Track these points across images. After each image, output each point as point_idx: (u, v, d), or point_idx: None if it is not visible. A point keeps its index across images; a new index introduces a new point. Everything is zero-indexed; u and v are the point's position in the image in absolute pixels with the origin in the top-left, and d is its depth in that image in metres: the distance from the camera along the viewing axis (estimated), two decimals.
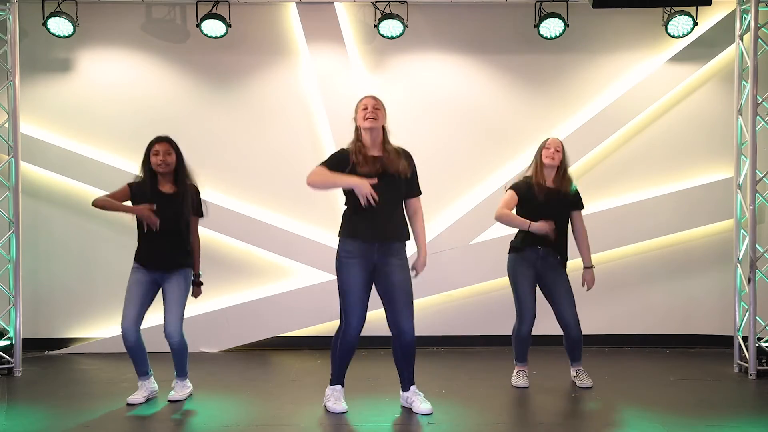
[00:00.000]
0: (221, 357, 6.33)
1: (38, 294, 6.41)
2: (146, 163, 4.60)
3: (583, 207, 5.02)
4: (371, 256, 4.27)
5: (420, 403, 4.39)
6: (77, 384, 5.34)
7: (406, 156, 4.36)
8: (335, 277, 6.25)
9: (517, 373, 5.11)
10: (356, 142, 4.30)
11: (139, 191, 4.58)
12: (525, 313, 4.91)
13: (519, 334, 4.98)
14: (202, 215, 4.77)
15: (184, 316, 4.65)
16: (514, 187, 4.92)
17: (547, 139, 4.97)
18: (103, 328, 6.43)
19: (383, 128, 4.31)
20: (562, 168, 4.93)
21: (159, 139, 4.63)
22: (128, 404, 4.59)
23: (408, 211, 4.42)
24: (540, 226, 4.72)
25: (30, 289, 6.27)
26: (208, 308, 6.50)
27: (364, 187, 4.07)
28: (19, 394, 5.03)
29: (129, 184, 4.62)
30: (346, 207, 4.37)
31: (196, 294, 4.77)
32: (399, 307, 4.26)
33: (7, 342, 5.61)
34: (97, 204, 4.53)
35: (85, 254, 6.46)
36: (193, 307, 6.47)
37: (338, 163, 4.25)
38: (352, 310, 4.28)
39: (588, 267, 5.06)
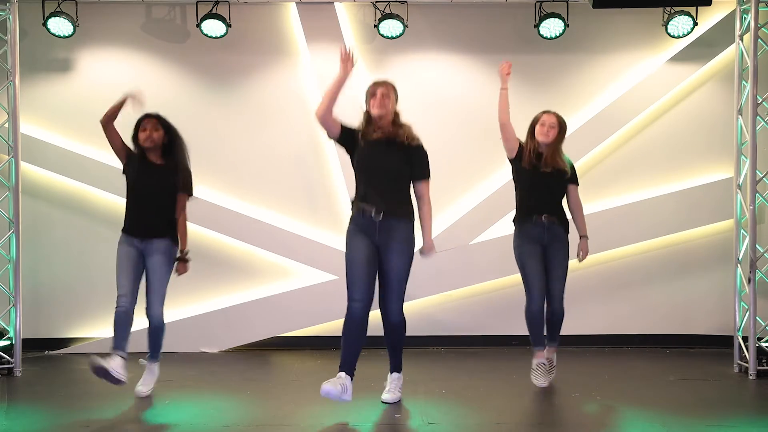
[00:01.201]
0: (221, 357, 6.33)
1: (38, 294, 6.41)
2: (135, 138, 4.73)
3: (578, 183, 4.98)
4: (372, 234, 4.29)
5: (387, 391, 4.52)
6: (77, 384, 5.34)
7: (417, 141, 4.41)
8: (335, 277, 6.35)
9: (538, 367, 4.91)
10: (363, 125, 4.40)
11: (131, 157, 4.75)
12: (532, 288, 4.82)
13: (530, 313, 4.85)
14: (191, 193, 4.85)
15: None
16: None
17: (542, 114, 4.87)
18: (103, 328, 6.42)
19: (395, 112, 4.40)
20: (555, 145, 4.84)
21: (148, 115, 4.73)
22: (138, 397, 4.71)
23: (416, 195, 4.45)
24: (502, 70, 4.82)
25: (30, 289, 6.26)
26: (208, 308, 6.50)
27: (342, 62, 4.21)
28: (19, 394, 5.03)
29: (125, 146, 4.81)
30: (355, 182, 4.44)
31: (182, 270, 4.81)
32: (389, 291, 4.34)
33: (7, 342, 5.61)
34: (104, 120, 4.73)
35: (85, 254, 6.46)
36: (193, 307, 6.48)
37: (349, 130, 4.39)
38: (353, 283, 4.25)
39: (583, 236, 5.00)
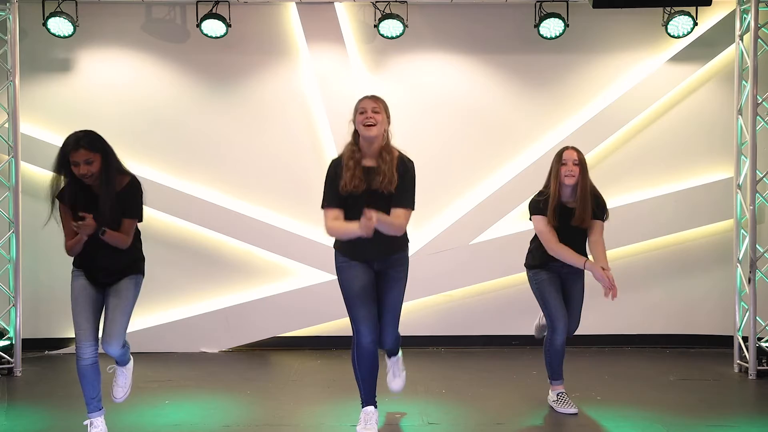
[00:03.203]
0: (221, 357, 6.33)
1: (38, 294, 6.40)
2: (66, 165, 3.78)
3: (604, 218, 4.56)
4: (370, 264, 4.04)
5: (394, 376, 4.37)
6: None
7: (403, 168, 3.96)
8: (335, 277, 6.31)
9: (560, 397, 4.57)
10: (352, 146, 3.99)
11: (70, 194, 3.86)
12: (556, 321, 4.46)
13: (552, 344, 4.50)
14: (139, 219, 3.97)
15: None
16: (537, 211, 4.51)
17: (563, 152, 4.50)
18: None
19: (385, 132, 3.96)
20: (581, 183, 4.47)
21: (76, 145, 3.73)
22: None
23: (391, 213, 3.94)
24: (599, 272, 4.36)
25: (30, 289, 6.26)
26: (208, 308, 6.50)
27: (365, 228, 3.68)
28: (19, 394, 5.03)
29: (58, 198, 3.89)
30: None
31: (85, 224, 3.70)
32: (386, 321, 4.07)
33: (7, 342, 5.61)
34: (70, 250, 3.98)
35: None
36: (193, 307, 6.48)
37: (332, 185, 3.99)
38: (359, 316, 3.97)
39: (603, 268, 4.42)
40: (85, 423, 3.96)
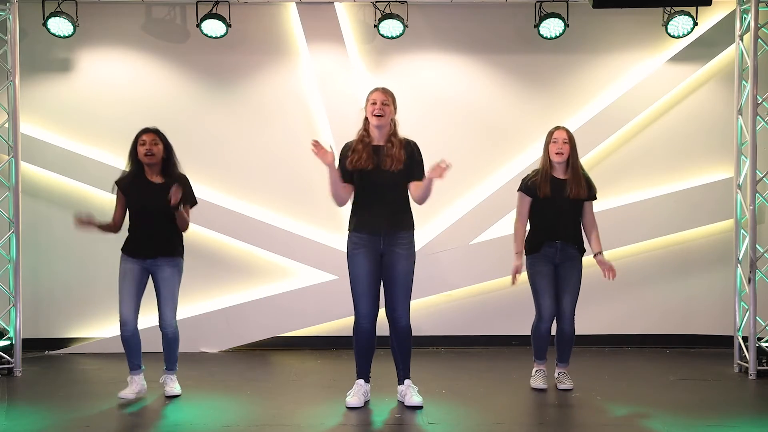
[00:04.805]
0: (221, 357, 6.33)
1: (38, 294, 6.40)
2: (133, 154, 4.69)
3: (594, 197, 4.91)
4: (377, 245, 4.42)
5: (411, 396, 4.50)
6: (77, 384, 5.34)
7: (410, 148, 4.48)
8: (335, 277, 6.37)
9: (536, 373, 5.02)
10: (362, 131, 4.49)
11: (128, 184, 4.69)
12: (543, 310, 4.81)
13: (537, 331, 4.88)
14: (195, 203, 4.80)
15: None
16: (523, 188, 4.88)
17: (554, 131, 4.84)
18: (103, 328, 6.44)
19: (392, 120, 4.49)
20: (572, 160, 4.81)
21: (146, 130, 4.71)
22: (120, 398, 4.64)
23: (410, 188, 4.49)
24: (514, 267, 4.83)
25: (30, 289, 6.26)
26: (208, 308, 6.50)
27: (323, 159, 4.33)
28: (19, 394, 5.03)
29: (117, 183, 4.74)
30: (352, 202, 4.56)
31: (175, 194, 4.47)
32: (396, 296, 4.44)
33: (7, 342, 5.61)
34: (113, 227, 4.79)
35: (85, 254, 6.45)
36: (193, 307, 6.48)
37: (341, 162, 4.51)
38: (359, 299, 4.44)
39: (599, 252, 4.86)
40: (128, 379, 4.72)
